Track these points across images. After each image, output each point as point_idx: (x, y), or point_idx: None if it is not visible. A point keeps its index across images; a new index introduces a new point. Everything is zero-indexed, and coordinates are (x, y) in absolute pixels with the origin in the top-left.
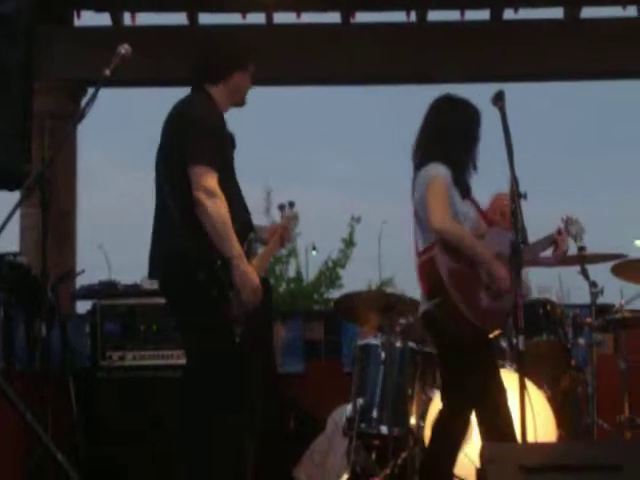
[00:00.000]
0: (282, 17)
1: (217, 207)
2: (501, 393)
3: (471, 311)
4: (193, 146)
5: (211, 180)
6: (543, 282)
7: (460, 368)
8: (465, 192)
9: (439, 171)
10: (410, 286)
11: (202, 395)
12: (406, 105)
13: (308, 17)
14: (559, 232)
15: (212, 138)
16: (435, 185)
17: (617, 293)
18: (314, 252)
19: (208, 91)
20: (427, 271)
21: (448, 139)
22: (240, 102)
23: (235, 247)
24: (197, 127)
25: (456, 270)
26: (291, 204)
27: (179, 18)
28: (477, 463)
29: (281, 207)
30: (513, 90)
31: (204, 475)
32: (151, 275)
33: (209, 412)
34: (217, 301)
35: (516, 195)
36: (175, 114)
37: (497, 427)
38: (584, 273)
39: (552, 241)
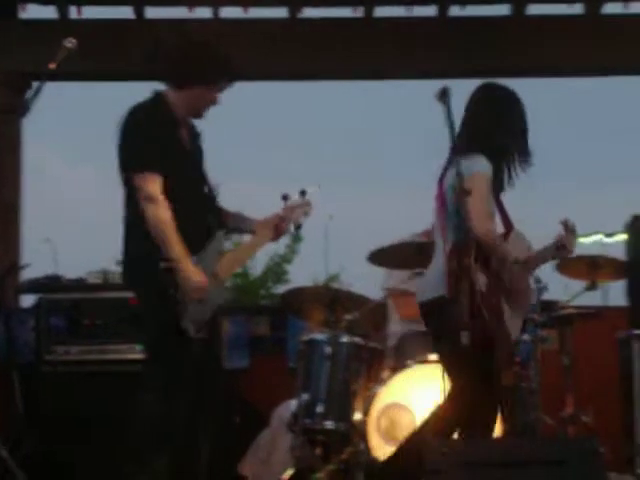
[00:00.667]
0: (229, 11)
1: (156, 212)
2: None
3: (499, 329)
4: (131, 152)
5: (150, 185)
6: None
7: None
8: (499, 187)
9: (482, 166)
10: (356, 281)
11: (153, 393)
12: (353, 100)
13: (255, 12)
14: (563, 235)
15: (152, 143)
16: (479, 182)
17: (562, 289)
18: None
19: (167, 94)
20: (456, 267)
21: (494, 128)
22: (197, 115)
23: (175, 250)
24: (135, 133)
25: (489, 281)
26: (303, 192)
27: (125, 11)
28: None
29: (284, 197)
30: (461, 87)
31: (156, 473)
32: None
33: (161, 410)
34: (164, 302)
35: (462, 191)
36: (122, 120)
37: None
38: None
39: (559, 245)
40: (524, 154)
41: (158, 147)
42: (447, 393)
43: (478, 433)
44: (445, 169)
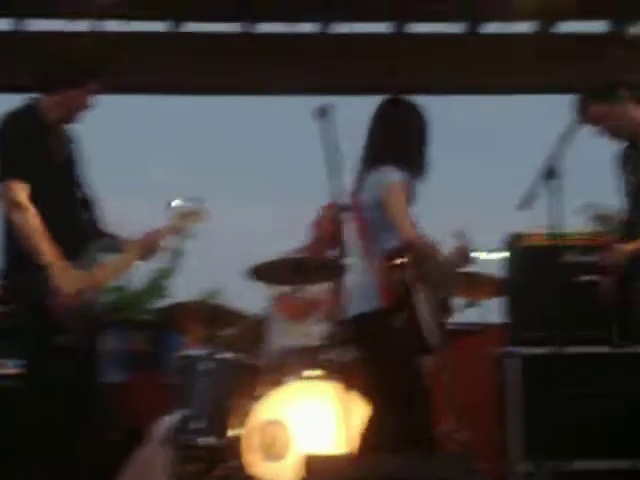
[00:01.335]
0: (111, 25)
1: (24, 220)
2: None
3: (428, 325)
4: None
5: (18, 194)
6: None
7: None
8: (411, 198)
9: (396, 176)
10: (235, 297)
11: (29, 406)
12: (232, 115)
13: (137, 25)
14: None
15: (19, 151)
16: (397, 193)
17: None
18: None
19: (41, 100)
20: (394, 278)
21: (403, 142)
22: (70, 119)
23: (45, 257)
24: (2, 142)
25: (421, 282)
26: (194, 199)
27: (4, 23)
28: (293, 474)
29: (173, 205)
30: (342, 103)
31: None
32: None
33: (37, 420)
34: (35, 308)
35: (340, 209)
36: None
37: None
38: None
39: (461, 256)
40: (421, 168)
41: (24, 155)
42: (381, 409)
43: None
44: (358, 184)
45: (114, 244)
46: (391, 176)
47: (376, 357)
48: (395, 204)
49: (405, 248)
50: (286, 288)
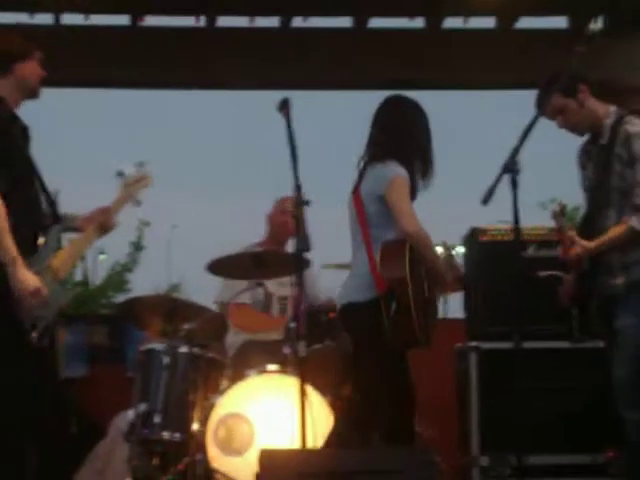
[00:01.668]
0: (70, 18)
1: None
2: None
3: (418, 320)
4: None
5: None
6: (327, 288)
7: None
8: (413, 194)
9: (398, 171)
10: (197, 291)
11: None
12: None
13: (96, 19)
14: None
15: None
16: (400, 186)
17: None
18: (102, 256)
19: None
20: (390, 267)
21: (406, 138)
22: (31, 93)
23: (7, 253)
24: None
25: (415, 276)
26: (140, 164)
27: None
28: (256, 468)
29: (119, 173)
30: (302, 97)
31: None
32: None
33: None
34: (2, 310)
35: (299, 202)
36: None
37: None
38: None
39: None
40: (427, 165)
41: None
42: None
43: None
44: (359, 178)
45: (71, 223)
46: (394, 170)
47: (366, 347)
48: (398, 197)
49: (408, 241)
50: (235, 295)
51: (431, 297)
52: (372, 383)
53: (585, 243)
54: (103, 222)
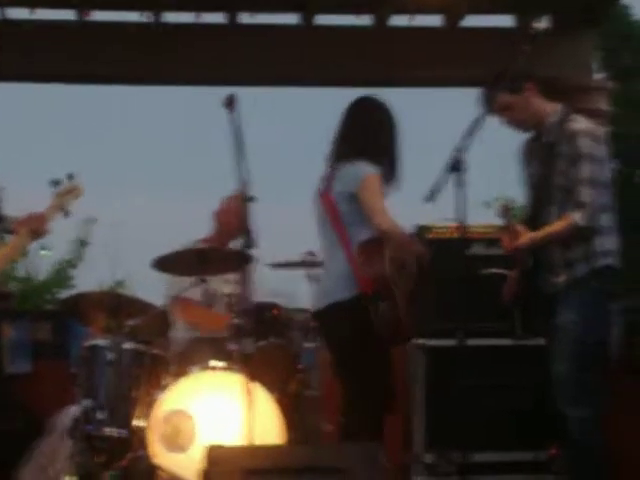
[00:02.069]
0: (16, 13)
1: None
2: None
3: (404, 316)
4: None
5: None
6: (272, 286)
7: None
8: (385, 193)
9: (371, 170)
10: (141, 287)
11: None
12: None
13: (42, 14)
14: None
15: None
16: (372, 184)
17: None
18: (44, 252)
19: None
20: (373, 268)
21: (375, 138)
22: None
23: None
24: None
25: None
26: (70, 176)
27: None
28: (199, 464)
29: (55, 183)
30: (247, 94)
31: None
32: None
33: None
34: None
35: (245, 199)
36: None
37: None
38: (312, 277)
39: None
40: (394, 166)
41: None
42: (356, 395)
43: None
44: (328, 179)
45: (8, 225)
46: (367, 170)
47: (352, 346)
48: (371, 196)
49: (383, 238)
50: (182, 290)
51: (408, 292)
52: (364, 380)
53: (531, 234)
54: (35, 228)
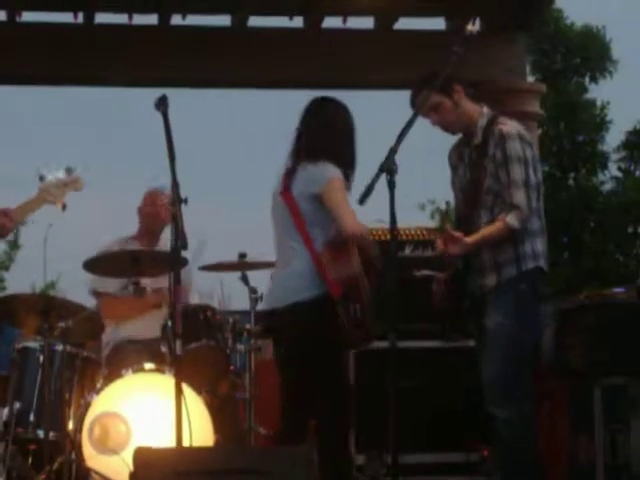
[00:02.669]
0: None
1: None
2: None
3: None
4: None
5: None
6: (205, 287)
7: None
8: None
9: (335, 172)
10: (73, 289)
11: None
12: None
13: None
14: None
15: None
16: (337, 187)
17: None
18: None
19: None
20: (341, 269)
21: (336, 138)
22: None
23: None
24: None
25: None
26: (69, 170)
27: None
28: (132, 467)
29: (41, 178)
30: (176, 95)
31: None
32: None
33: None
34: None
35: (177, 200)
36: None
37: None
38: (244, 279)
39: None
40: (351, 164)
41: None
42: (327, 397)
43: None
44: (289, 177)
45: None
46: (330, 171)
47: (316, 347)
48: (336, 198)
49: (350, 239)
50: (112, 289)
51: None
52: (328, 381)
53: (466, 240)
54: (1, 224)
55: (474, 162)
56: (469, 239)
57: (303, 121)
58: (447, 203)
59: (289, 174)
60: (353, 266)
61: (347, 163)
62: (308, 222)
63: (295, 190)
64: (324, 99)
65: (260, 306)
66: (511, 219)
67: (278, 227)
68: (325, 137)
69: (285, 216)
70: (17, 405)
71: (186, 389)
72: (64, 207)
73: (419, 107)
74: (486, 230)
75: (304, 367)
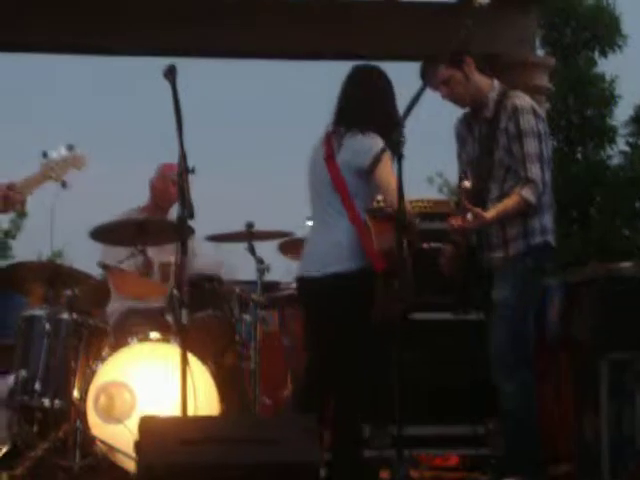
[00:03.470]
0: None
1: None
2: None
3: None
4: None
5: None
6: (211, 257)
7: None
8: None
9: (383, 145)
10: (79, 257)
11: None
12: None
13: None
14: None
15: None
16: (388, 161)
17: (284, 271)
18: None
19: None
20: (385, 241)
21: (383, 108)
22: None
23: None
24: None
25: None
26: (70, 147)
27: None
28: (137, 435)
29: (44, 154)
30: (185, 65)
31: None
32: None
33: None
34: None
35: (184, 170)
36: None
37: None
38: (251, 250)
39: None
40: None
41: None
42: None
43: None
44: (332, 145)
45: None
46: (379, 145)
47: (353, 319)
48: (387, 173)
49: (397, 215)
50: (117, 261)
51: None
52: (355, 357)
53: (483, 215)
54: (6, 197)
55: (485, 135)
56: (487, 214)
57: (346, 88)
58: (463, 180)
59: (332, 141)
60: (393, 241)
61: (391, 131)
62: (351, 192)
63: (340, 159)
64: (367, 66)
65: (267, 277)
66: (526, 193)
67: (317, 193)
68: (369, 107)
69: (326, 183)
70: (23, 373)
71: (191, 358)
72: (64, 184)
73: (429, 80)
74: (503, 205)
75: (335, 339)
